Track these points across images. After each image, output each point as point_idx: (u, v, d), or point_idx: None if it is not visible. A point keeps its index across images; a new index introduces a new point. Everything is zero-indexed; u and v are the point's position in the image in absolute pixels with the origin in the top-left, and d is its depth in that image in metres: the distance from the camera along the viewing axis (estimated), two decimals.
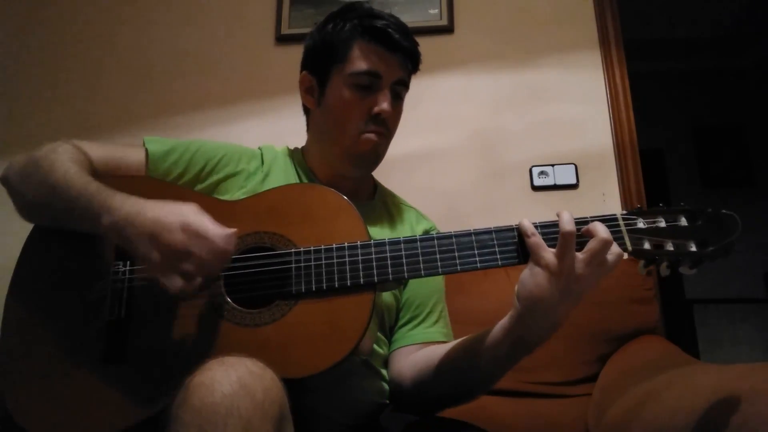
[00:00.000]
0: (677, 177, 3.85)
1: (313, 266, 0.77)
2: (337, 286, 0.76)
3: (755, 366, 0.70)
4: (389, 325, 0.98)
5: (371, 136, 0.94)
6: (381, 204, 1.06)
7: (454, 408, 0.91)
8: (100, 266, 0.81)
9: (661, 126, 3.79)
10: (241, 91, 1.94)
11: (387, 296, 0.94)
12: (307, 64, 1.00)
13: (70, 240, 0.83)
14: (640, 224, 0.74)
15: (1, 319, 0.81)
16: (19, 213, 0.87)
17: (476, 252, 0.76)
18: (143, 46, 2.03)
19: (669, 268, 0.73)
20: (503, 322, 0.77)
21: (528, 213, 1.66)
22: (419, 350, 0.94)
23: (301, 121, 1.08)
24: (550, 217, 0.75)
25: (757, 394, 0.61)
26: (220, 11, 2.04)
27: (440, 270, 0.76)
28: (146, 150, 0.93)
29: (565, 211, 0.71)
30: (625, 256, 0.73)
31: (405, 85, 0.98)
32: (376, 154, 0.97)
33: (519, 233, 0.74)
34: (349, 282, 0.76)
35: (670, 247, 0.72)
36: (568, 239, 0.69)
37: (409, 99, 1.01)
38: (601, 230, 0.69)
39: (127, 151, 0.94)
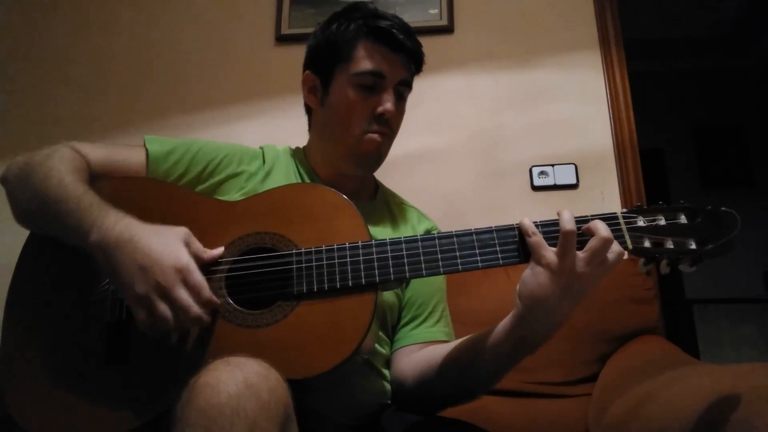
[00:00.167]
0: (677, 177, 3.85)
1: (314, 266, 0.77)
2: (338, 286, 0.76)
3: (755, 366, 0.70)
4: (391, 324, 0.98)
5: (374, 136, 0.94)
6: (383, 204, 1.06)
7: (455, 407, 0.91)
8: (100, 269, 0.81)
9: (661, 126, 3.79)
10: (241, 91, 1.94)
11: (389, 296, 0.94)
12: (310, 64, 1.00)
13: None
14: (640, 222, 0.74)
15: (1, 320, 0.81)
16: (15, 218, 0.86)
17: (477, 251, 0.76)
18: (143, 47, 2.03)
19: (669, 266, 0.72)
20: (505, 322, 0.77)
21: (528, 213, 1.66)
22: (421, 350, 0.95)
23: (301, 120, 1.08)
24: (550, 217, 0.75)
25: (757, 394, 0.61)
26: (220, 11, 2.04)
27: (442, 270, 0.76)
28: (146, 151, 0.93)
29: (566, 210, 0.71)
30: (626, 254, 0.73)
31: (408, 85, 0.98)
32: (379, 154, 0.97)
33: (520, 232, 0.74)
34: (350, 282, 0.76)
35: (670, 245, 0.72)
36: (569, 238, 0.69)
37: (410, 99, 1.01)
38: (602, 228, 0.70)
39: (127, 152, 0.93)
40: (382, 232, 0.98)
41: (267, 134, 1.80)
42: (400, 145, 1.03)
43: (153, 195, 0.88)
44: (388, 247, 0.77)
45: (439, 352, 0.88)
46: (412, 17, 1.88)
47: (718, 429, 0.61)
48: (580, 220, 0.72)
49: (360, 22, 0.93)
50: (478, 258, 0.75)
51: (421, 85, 1.01)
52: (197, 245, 0.76)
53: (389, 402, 0.95)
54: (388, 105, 0.93)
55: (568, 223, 0.69)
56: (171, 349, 0.75)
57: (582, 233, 0.71)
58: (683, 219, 0.74)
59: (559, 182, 1.74)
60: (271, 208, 0.83)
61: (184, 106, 1.95)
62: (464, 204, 1.76)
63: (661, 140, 3.85)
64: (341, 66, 0.94)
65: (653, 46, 3.72)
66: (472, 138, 1.83)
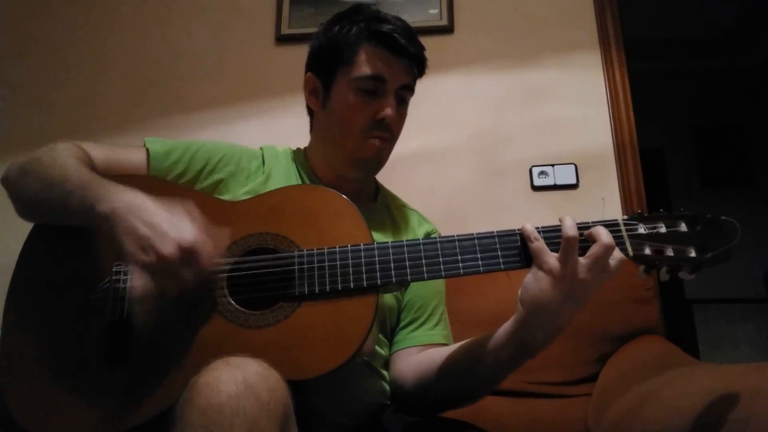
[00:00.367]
0: (677, 177, 3.85)
1: (316, 268, 0.77)
2: (340, 288, 0.76)
3: (755, 366, 0.70)
4: (390, 326, 0.98)
5: (375, 141, 0.94)
6: (383, 206, 1.06)
7: (454, 409, 0.91)
8: (102, 266, 0.81)
9: (661, 126, 3.79)
10: (241, 91, 1.94)
11: (388, 298, 0.94)
12: (312, 66, 1.00)
13: (71, 239, 0.83)
14: (641, 230, 0.75)
15: (1, 318, 0.81)
16: (19, 213, 0.87)
17: (479, 255, 0.76)
18: (143, 47, 2.03)
19: (669, 273, 0.73)
20: (506, 326, 0.77)
21: (528, 213, 1.70)
22: (420, 352, 0.95)
23: (301, 121, 1.08)
24: (550, 217, 0.75)
25: (757, 394, 0.61)
26: (220, 11, 2.04)
27: (443, 273, 0.76)
28: (147, 150, 0.93)
29: (568, 216, 0.71)
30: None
31: (410, 89, 0.97)
32: (379, 158, 0.97)
33: (522, 237, 0.75)
34: (352, 284, 0.76)
35: (670, 252, 0.73)
36: (571, 244, 0.69)
37: (410, 100, 1.01)
38: (604, 235, 0.70)
39: (128, 152, 0.94)
40: (382, 235, 0.98)
41: (267, 134, 1.80)
42: (401, 146, 1.03)
43: (153, 192, 0.87)
44: (390, 250, 0.77)
45: (439, 354, 0.88)
46: (412, 17, 1.88)
47: (718, 429, 0.61)
48: (582, 226, 0.72)
49: (362, 25, 0.93)
50: (480, 262, 0.76)
51: (421, 85, 1.01)
52: (202, 221, 0.75)
53: (388, 402, 0.95)
54: (389, 110, 0.92)
55: (570, 229, 0.70)
56: (171, 348, 0.75)
57: (584, 239, 0.71)
58: (683, 227, 0.74)
59: (559, 182, 1.74)
60: (273, 209, 0.83)
61: (184, 106, 1.95)
62: (464, 204, 1.76)
63: (661, 140, 3.85)
64: (343, 69, 0.94)
65: (653, 46, 3.72)
66: (472, 138, 1.83)
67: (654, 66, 3.87)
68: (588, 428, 1.19)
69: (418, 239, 0.78)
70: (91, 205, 0.75)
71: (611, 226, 0.74)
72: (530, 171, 1.76)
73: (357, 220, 0.81)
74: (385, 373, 0.96)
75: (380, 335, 0.95)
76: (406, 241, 0.78)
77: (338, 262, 0.77)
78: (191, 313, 0.76)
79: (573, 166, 1.75)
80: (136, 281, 0.69)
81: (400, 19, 0.95)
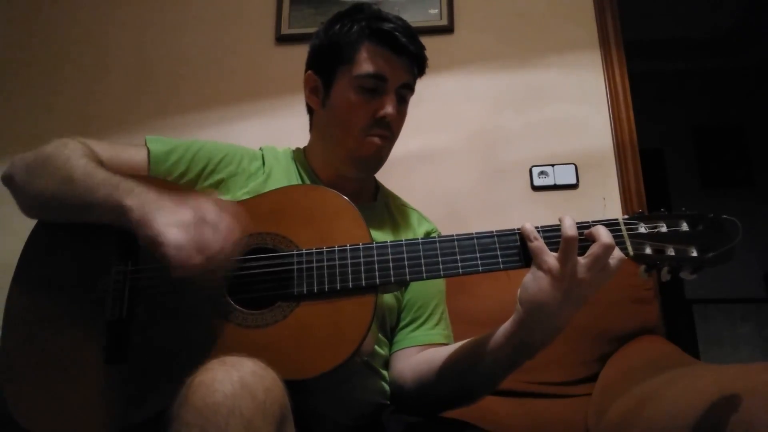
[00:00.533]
0: (677, 177, 3.85)
1: (315, 268, 0.77)
2: (338, 287, 0.76)
3: (755, 366, 0.70)
4: (390, 326, 0.98)
5: (375, 139, 0.94)
6: (383, 206, 1.06)
7: (454, 409, 0.91)
8: (103, 265, 0.81)
9: (661, 126, 3.79)
10: (241, 91, 1.94)
11: (388, 297, 0.94)
12: (312, 64, 1.00)
13: (73, 238, 0.83)
14: (642, 229, 0.74)
15: (2, 317, 0.81)
16: (24, 210, 0.86)
17: (478, 255, 0.76)
18: (143, 47, 2.03)
19: (670, 273, 0.72)
20: (505, 326, 0.77)
21: (528, 213, 1.70)
22: (420, 352, 0.95)
23: (301, 121, 1.08)
24: (550, 217, 0.75)
25: (757, 394, 0.61)
26: (220, 11, 2.04)
27: (442, 273, 0.76)
28: (148, 149, 0.93)
29: (568, 216, 0.71)
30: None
31: (410, 88, 0.98)
32: (380, 157, 0.97)
33: (521, 237, 0.74)
34: (350, 284, 0.76)
35: (671, 252, 0.72)
36: (571, 243, 0.69)
37: (410, 99, 1.01)
38: (604, 234, 0.69)
39: (129, 151, 0.94)
40: (382, 234, 0.98)
41: (267, 134, 1.81)
42: (400, 146, 1.03)
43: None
44: (389, 250, 0.77)
45: (439, 354, 0.88)
46: (412, 17, 1.88)
47: (719, 429, 0.61)
48: (582, 226, 0.72)
49: (363, 24, 0.93)
50: (479, 262, 0.75)
51: (421, 85, 1.01)
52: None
53: (388, 402, 0.95)
54: (389, 108, 0.92)
55: (569, 229, 0.69)
56: (170, 348, 0.75)
57: (584, 238, 0.70)
58: (685, 226, 0.74)
59: (559, 182, 1.74)
60: (273, 209, 0.83)
61: (184, 106, 1.95)
62: (464, 204, 1.76)
63: (661, 140, 3.84)
64: (343, 68, 0.94)
65: (653, 46, 3.72)
66: (472, 138, 1.83)
67: (654, 66, 3.87)
68: (588, 428, 1.19)
69: (417, 239, 0.78)
70: (118, 198, 0.76)
71: (612, 225, 0.74)
72: (530, 171, 1.76)
73: (356, 220, 0.81)
74: (384, 373, 0.96)
75: (380, 335, 0.95)
76: (405, 240, 0.78)
77: (337, 262, 0.77)
78: (192, 312, 0.77)
79: (573, 166, 1.75)
80: (173, 260, 0.70)
81: (400, 19, 0.96)
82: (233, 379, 0.56)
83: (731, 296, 3.52)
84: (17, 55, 2.05)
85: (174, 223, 0.71)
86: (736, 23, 3.58)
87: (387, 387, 0.95)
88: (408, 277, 0.76)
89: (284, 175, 0.99)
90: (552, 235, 0.73)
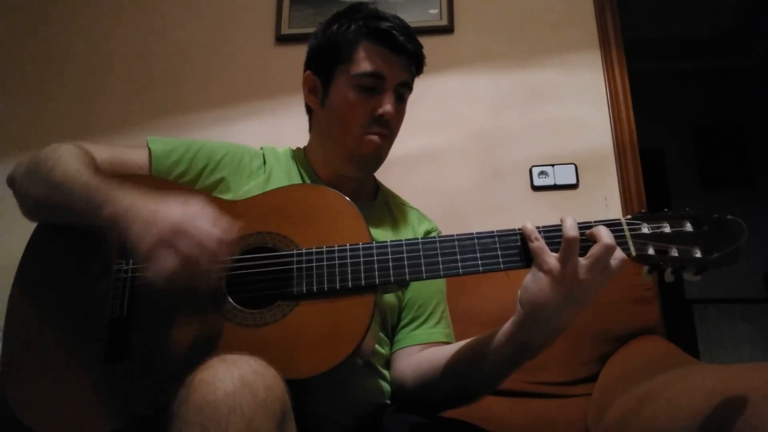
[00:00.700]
0: (677, 177, 3.85)
1: (314, 267, 0.77)
2: (338, 287, 0.76)
3: (755, 366, 0.70)
4: (391, 325, 0.98)
5: (374, 138, 0.94)
6: (383, 204, 1.06)
7: (455, 409, 0.91)
8: (103, 264, 0.81)
9: (661, 126, 3.79)
10: (241, 91, 1.95)
11: (389, 296, 0.94)
12: (310, 64, 1.00)
13: (74, 238, 0.83)
14: (645, 229, 0.73)
15: (4, 316, 0.82)
16: (24, 214, 0.87)
17: (478, 255, 0.75)
18: (143, 47, 2.03)
19: (673, 274, 0.71)
20: (506, 327, 0.77)
21: (528, 213, 1.69)
22: (422, 351, 0.95)
23: (301, 120, 1.08)
24: (550, 216, 0.74)
25: (757, 394, 0.61)
26: (220, 11, 2.04)
27: (442, 273, 0.75)
28: (149, 150, 0.94)
29: (569, 217, 0.70)
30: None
31: (408, 87, 0.98)
32: (379, 155, 0.97)
33: (522, 237, 0.74)
34: (350, 283, 0.76)
35: (674, 253, 0.71)
36: (572, 244, 0.68)
37: (410, 99, 1.01)
38: (605, 235, 0.69)
39: (130, 152, 0.94)
40: (382, 233, 0.99)
41: (267, 134, 1.81)
42: (400, 145, 1.03)
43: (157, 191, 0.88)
44: (389, 249, 0.77)
45: (440, 354, 0.88)
46: (412, 17, 1.88)
47: (718, 429, 0.61)
48: (584, 226, 0.71)
49: (361, 23, 0.94)
50: (479, 262, 0.75)
51: (421, 85, 1.01)
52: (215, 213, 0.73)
53: (389, 402, 0.95)
54: (387, 107, 0.93)
55: (570, 230, 0.69)
56: (170, 346, 0.75)
57: (585, 239, 0.70)
58: (689, 227, 0.72)
59: (559, 182, 1.74)
60: (273, 208, 0.83)
61: (184, 106, 1.95)
62: (464, 204, 1.76)
63: (661, 140, 3.84)
64: (342, 67, 0.94)
65: (653, 46, 3.72)
66: (472, 138, 1.83)
67: (654, 66, 3.87)
68: (588, 428, 1.19)
69: (417, 238, 0.78)
70: (96, 207, 0.75)
71: (614, 225, 0.73)
72: (530, 171, 1.76)
73: (357, 219, 0.81)
74: (385, 372, 0.96)
75: (381, 334, 0.95)
76: (405, 240, 0.78)
77: (336, 262, 0.77)
78: (193, 311, 0.77)
79: (573, 166, 1.75)
80: (148, 272, 0.68)
81: (398, 18, 0.96)
82: (234, 376, 0.56)
83: (731, 296, 3.52)
84: (19, 55, 2.06)
85: (147, 236, 0.69)
86: (736, 23, 3.58)
87: (388, 387, 0.95)
88: (408, 277, 0.76)
89: (285, 175, 0.99)
90: (553, 235, 0.73)
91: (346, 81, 0.93)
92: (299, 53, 1.04)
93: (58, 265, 0.84)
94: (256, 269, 0.78)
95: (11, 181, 0.88)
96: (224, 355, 0.60)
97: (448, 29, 1.91)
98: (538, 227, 0.73)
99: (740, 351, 3.44)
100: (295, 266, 0.77)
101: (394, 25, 0.93)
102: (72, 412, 0.74)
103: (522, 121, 1.82)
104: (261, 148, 1.05)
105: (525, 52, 1.88)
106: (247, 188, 0.94)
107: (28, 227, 0.87)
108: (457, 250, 0.76)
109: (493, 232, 0.76)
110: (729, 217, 0.71)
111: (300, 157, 1.04)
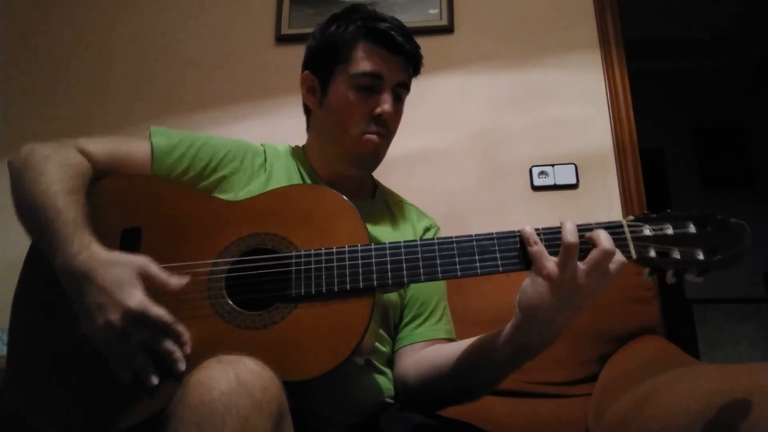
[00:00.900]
0: (677, 177, 3.85)
1: (313, 269, 0.77)
2: (336, 289, 0.76)
3: (755, 366, 0.69)
4: (393, 323, 0.98)
5: (372, 137, 0.95)
6: (382, 202, 1.06)
7: (456, 407, 0.91)
8: None
9: (661, 126, 3.79)
10: (241, 91, 1.95)
11: (391, 294, 0.94)
12: (309, 64, 1.01)
13: None
14: (646, 231, 0.72)
15: (8, 317, 0.82)
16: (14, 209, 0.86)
17: (477, 257, 0.75)
18: (143, 47, 2.03)
19: (675, 276, 0.70)
20: (505, 330, 0.77)
21: (528, 213, 1.69)
22: (424, 348, 0.95)
23: (301, 120, 1.08)
24: (550, 217, 0.74)
25: (757, 394, 0.61)
26: (220, 11, 2.04)
27: (440, 275, 0.75)
28: (152, 144, 0.94)
29: (569, 221, 0.70)
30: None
31: (406, 87, 0.99)
32: (377, 155, 0.98)
33: (521, 239, 0.73)
34: (348, 286, 0.76)
35: (676, 255, 0.70)
36: (571, 250, 0.68)
37: (409, 99, 1.02)
38: (604, 240, 0.68)
39: (132, 146, 0.94)
40: (381, 231, 0.99)
41: (267, 134, 1.78)
42: (400, 145, 1.03)
43: (156, 194, 0.88)
44: (387, 252, 0.77)
45: (442, 352, 0.89)
46: (412, 17, 1.88)
47: (719, 429, 0.61)
48: (584, 228, 0.70)
49: (359, 23, 0.94)
50: (478, 264, 0.74)
51: (420, 85, 1.01)
52: (158, 276, 0.73)
53: (389, 401, 0.95)
54: (386, 106, 0.93)
55: (570, 235, 0.68)
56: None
57: (584, 241, 0.69)
58: (692, 228, 0.71)
59: (559, 182, 1.74)
60: (272, 209, 0.84)
61: (184, 105, 1.95)
62: (464, 204, 1.76)
63: (661, 140, 3.84)
64: (340, 67, 0.95)
65: (653, 46, 3.72)
66: (471, 138, 1.82)
67: (654, 66, 3.87)
68: (588, 428, 1.19)
69: (416, 241, 0.78)
70: (52, 253, 0.75)
71: (614, 228, 0.72)
72: (530, 171, 1.76)
73: (356, 221, 0.81)
74: (387, 370, 0.96)
75: (383, 332, 0.96)
76: (404, 242, 0.78)
77: (335, 264, 0.77)
78: (192, 313, 0.76)
79: (573, 166, 1.75)
80: (99, 348, 0.72)
81: (396, 19, 0.97)
82: (230, 377, 0.56)
83: (731, 296, 3.52)
84: (20, 55, 2.06)
85: (78, 296, 0.72)
86: (736, 23, 3.58)
87: (388, 385, 0.95)
88: (406, 279, 0.76)
89: (285, 173, 0.99)
90: (552, 237, 0.72)
91: (344, 81, 0.94)
92: (299, 53, 1.04)
93: None
94: (255, 271, 0.78)
95: (11, 165, 0.86)
96: (221, 356, 0.60)
97: (447, 29, 1.91)
98: (537, 230, 0.73)
99: (740, 351, 3.44)
100: (294, 268, 0.77)
101: (392, 25, 0.94)
102: (72, 414, 0.74)
103: (522, 121, 1.82)
104: (261, 145, 1.05)
105: (525, 52, 1.88)
106: (249, 188, 0.94)
107: None
108: (455, 252, 0.75)
109: (491, 234, 0.75)
110: (732, 219, 0.70)
111: (299, 155, 1.05)
